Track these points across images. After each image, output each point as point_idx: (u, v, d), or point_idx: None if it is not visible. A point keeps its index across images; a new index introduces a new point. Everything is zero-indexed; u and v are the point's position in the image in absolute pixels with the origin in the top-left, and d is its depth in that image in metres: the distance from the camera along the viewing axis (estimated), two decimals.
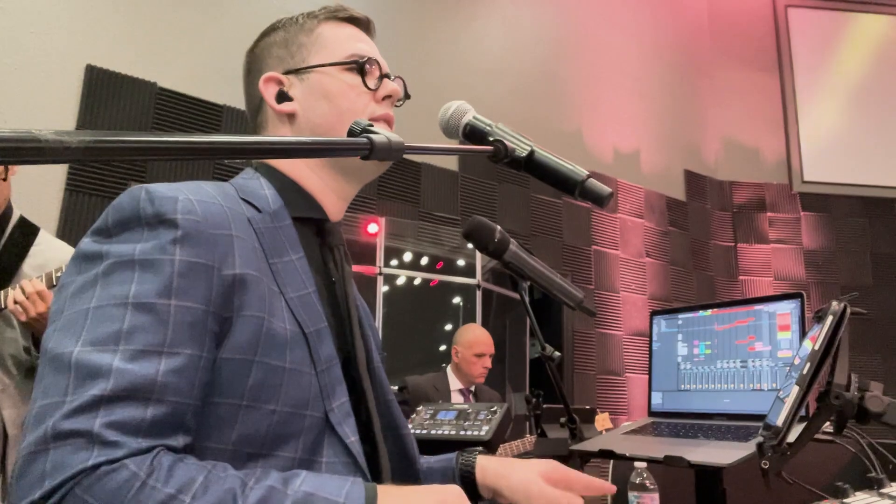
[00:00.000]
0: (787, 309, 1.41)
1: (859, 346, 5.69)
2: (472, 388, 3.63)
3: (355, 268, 4.30)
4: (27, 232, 1.93)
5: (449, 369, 3.66)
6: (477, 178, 5.07)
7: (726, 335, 1.51)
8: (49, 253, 1.90)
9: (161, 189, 0.71)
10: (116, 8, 3.71)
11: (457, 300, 5.12)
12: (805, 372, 0.90)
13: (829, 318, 0.92)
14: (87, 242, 0.71)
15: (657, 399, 1.61)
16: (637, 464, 1.40)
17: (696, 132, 6.60)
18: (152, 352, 0.63)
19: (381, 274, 4.39)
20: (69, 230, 3.28)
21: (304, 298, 0.78)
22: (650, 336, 1.68)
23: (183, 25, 3.95)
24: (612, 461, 1.74)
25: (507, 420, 1.45)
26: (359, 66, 0.91)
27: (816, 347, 0.91)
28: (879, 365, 5.79)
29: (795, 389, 0.90)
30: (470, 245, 1.28)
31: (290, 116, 0.91)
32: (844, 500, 0.91)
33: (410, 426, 1.46)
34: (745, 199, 6.55)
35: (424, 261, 4.92)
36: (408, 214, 4.67)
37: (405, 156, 0.62)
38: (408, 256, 4.83)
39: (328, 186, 0.91)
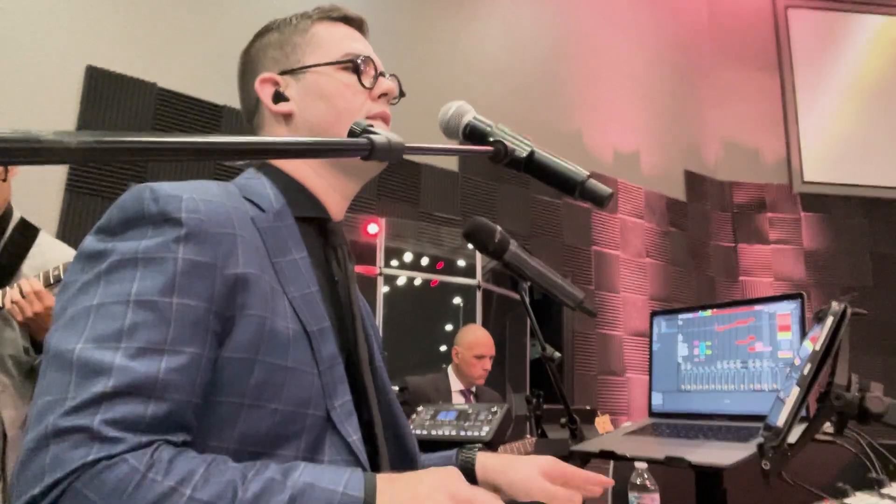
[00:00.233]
0: (788, 309, 1.41)
1: (860, 346, 5.68)
2: (473, 389, 3.63)
3: (356, 268, 4.31)
4: (27, 233, 1.92)
5: (450, 370, 3.65)
6: (477, 178, 5.07)
7: (727, 336, 1.51)
8: (49, 254, 1.90)
9: (165, 188, 0.72)
10: (116, 8, 3.72)
11: (457, 301, 5.12)
12: (805, 372, 0.90)
13: (830, 319, 0.92)
14: (90, 241, 0.71)
15: (657, 399, 1.61)
16: (637, 464, 1.40)
17: (696, 132, 6.60)
18: (154, 350, 0.64)
19: (381, 274, 4.39)
20: (69, 230, 3.28)
21: (307, 297, 0.78)
22: (650, 336, 1.68)
23: (183, 26, 3.95)
24: (612, 462, 1.73)
25: (508, 421, 1.46)
26: (354, 65, 0.91)
27: (817, 348, 0.91)
28: (880, 365, 5.79)
29: (796, 390, 0.90)
30: (470, 245, 1.28)
31: (287, 116, 0.91)
32: (845, 501, 0.91)
33: (411, 426, 1.46)
34: (745, 200, 6.55)
35: (425, 261, 4.92)
36: (408, 215, 4.67)
37: (405, 156, 0.62)
38: (408, 257, 4.83)
39: (330, 185, 0.91)
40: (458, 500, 0.64)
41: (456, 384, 3.59)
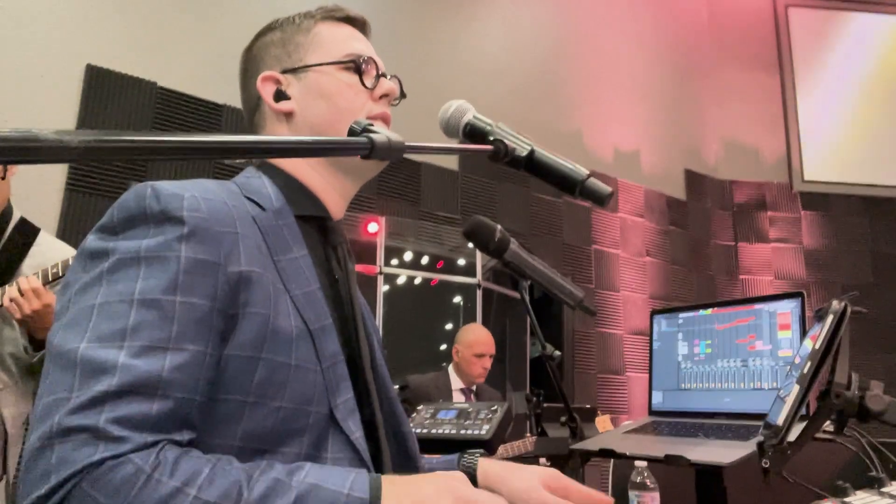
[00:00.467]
0: (788, 308, 1.41)
1: (860, 344, 5.68)
2: (474, 388, 3.63)
3: (356, 267, 4.30)
4: (27, 232, 1.93)
5: (450, 368, 3.66)
6: (477, 177, 5.07)
7: (727, 334, 1.51)
8: (49, 253, 1.91)
9: (167, 186, 0.72)
10: (116, 8, 3.71)
11: (457, 299, 5.12)
12: (805, 371, 0.90)
13: (830, 317, 0.92)
14: (92, 240, 0.71)
15: (658, 398, 1.61)
16: (637, 463, 1.40)
17: (697, 131, 6.60)
18: (157, 348, 0.64)
19: (381, 273, 4.39)
20: (69, 230, 3.28)
21: (309, 295, 0.79)
22: (650, 335, 1.68)
23: (183, 25, 3.95)
24: (612, 460, 1.74)
25: (508, 419, 1.45)
26: (356, 66, 0.92)
27: (817, 346, 0.91)
28: (880, 364, 5.79)
29: (796, 388, 0.90)
30: (470, 244, 1.28)
31: (288, 115, 0.92)
32: (845, 500, 0.91)
33: (411, 425, 1.46)
34: (745, 199, 6.55)
35: (425, 260, 4.92)
36: (408, 214, 4.67)
37: (405, 155, 0.62)
38: (408, 256, 4.83)
39: (329, 184, 0.91)
40: (464, 502, 0.64)
41: (456, 383, 3.60)
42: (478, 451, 0.99)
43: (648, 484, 1.40)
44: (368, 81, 0.92)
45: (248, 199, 0.81)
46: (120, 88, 3.65)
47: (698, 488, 1.30)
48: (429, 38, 5.09)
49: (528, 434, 3.03)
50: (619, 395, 5.39)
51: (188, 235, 0.69)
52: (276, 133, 0.92)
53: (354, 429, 0.76)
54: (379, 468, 0.81)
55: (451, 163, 4.99)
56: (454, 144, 0.77)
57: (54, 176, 3.38)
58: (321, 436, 0.74)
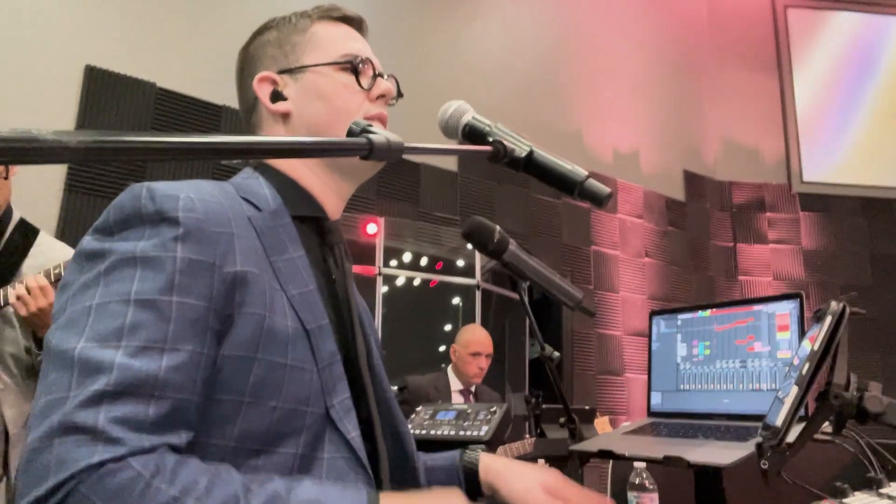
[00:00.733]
0: (787, 309, 1.41)
1: (858, 345, 5.68)
2: (473, 389, 3.63)
3: (355, 268, 4.29)
4: (27, 233, 1.94)
5: (449, 369, 3.66)
6: (476, 178, 5.07)
7: (725, 335, 1.51)
8: (50, 254, 1.91)
9: (162, 187, 0.72)
10: (116, 8, 3.71)
11: (456, 300, 5.12)
12: (804, 372, 0.90)
13: (829, 318, 0.92)
14: (88, 241, 0.71)
15: (656, 399, 1.61)
16: (636, 464, 1.40)
17: (696, 132, 6.60)
18: (154, 348, 0.64)
19: (380, 274, 4.39)
20: (68, 230, 3.28)
21: (306, 295, 0.79)
22: (649, 336, 1.68)
23: (182, 26, 3.95)
24: (611, 461, 1.74)
25: (507, 420, 1.45)
26: (352, 66, 0.91)
27: (815, 347, 0.91)
28: (879, 365, 5.79)
29: (794, 389, 0.90)
30: (469, 245, 1.28)
31: (285, 116, 0.91)
32: (843, 500, 0.91)
33: (410, 426, 1.46)
34: (744, 200, 6.55)
35: (424, 261, 4.92)
36: (407, 214, 4.67)
37: (404, 156, 0.62)
38: (407, 257, 4.83)
39: (326, 185, 0.91)
40: None
41: (455, 384, 3.59)
42: (479, 445, 0.99)
43: (647, 485, 1.40)
44: (365, 82, 0.92)
45: (245, 199, 0.81)
46: (119, 89, 3.65)
47: (697, 489, 1.30)
48: (429, 38, 5.09)
49: (528, 435, 3.03)
50: (618, 397, 5.39)
51: (183, 236, 0.69)
52: (273, 133, 0.92)
53: (351, 428, 0.76)
54: (376, 468, 0.81)
55: (450, 164, 4.99)
56: (453, 145, 0.77)
57: (53, 176, 3.38)
58: (317, 436, 0.74)
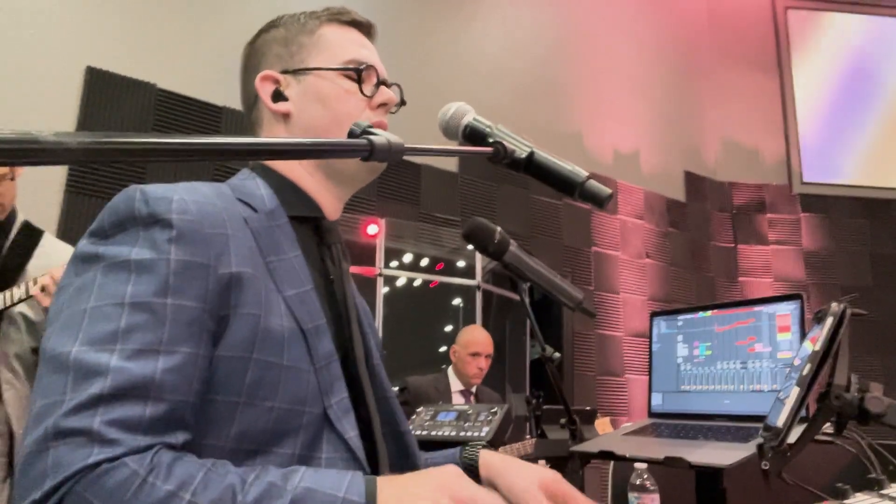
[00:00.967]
0: (787, 310, 1.41)
1: (859, 346, 5.68)
2: (473, 390, 3.63)
3: (355, 269, 4.29)
4: (31, 234, 1.95)
5: (450, 370, 3.65)
6: (477, 179, 5.07)
7: (726, 336, 1.51)
8: (54, 255, 1.93)
9: (156, 189, 0.72)
10: (116, 9, 3.72)
11: (457, 301, 5.12)
12: (805, 373, 0.90)
13: (829, 319, 0.92)
14: (83, 244, 0.71)
15: (657, 400, 1.61)
16: (637, 465, 1.40)
17: (696, 133, 6.60)
18: (150, 350, 0.64)
19: (380, 275, 4.39)
20: (69, 231, 3.28)
21: (303, 296, 0.79)
22: (650, 337, 1.68)
23: (183, 27, 3.95)
24: (612, 462, 1.73)
25: (508, 421, 1.45)
26: (356, 73, 0.91)
27: (816, 348, 0.91)
28: (879, 366, 5.79)
29: (795, 390, 0.90)
30: (470, 246, 1.28)
31: (285, 116, 0.91)
32: (845, 501, 0.91)
33: (410, 427, 1.46)
34: (744, 200, 6.55)
35: (424, 262, 4.92)
36: (408, 215, 4.67)
37: (405, 157, 0.62)
38: (408, 257, 4.83)
39: (323, 186, 0.91)
40: (460, 499, 0.64)
41: (456, 385, 3.59)
42: (479, 442, 0.99)
43: (648, 486, 1.40)
44: (367, 89, 0.92)
45: (241, 201, 0.81)
46: (120, 90, 3.65)
47: (698, 490, 1.30)
48: (429, 38, 5.10)
49: (528, 436, 3.02)
50: (618, 397, 5.39)
51: (177, 238, 0.69)
52: (273, 133, 0.92)
53: (349, 428, 0.76)
54: (375, 468, 0.81)
55: (450, 165, 4.99)
56: (454, 146, 0.77)
57: (54, 177, 3.38)
58: (315, 436, 0.74)
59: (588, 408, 3.63)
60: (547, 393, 3.14)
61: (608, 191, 0.79)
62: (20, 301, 1.81)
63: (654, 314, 1.70)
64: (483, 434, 1.36)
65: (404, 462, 0.93)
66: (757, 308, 1.47)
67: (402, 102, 0.99)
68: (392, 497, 0.64)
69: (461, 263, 5.00)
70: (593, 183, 0.79)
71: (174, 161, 0.48)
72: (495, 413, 1.42)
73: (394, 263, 4.67)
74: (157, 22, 3.85)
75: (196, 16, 4.01)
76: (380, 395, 0.90)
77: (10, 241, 1.89)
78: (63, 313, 0.66)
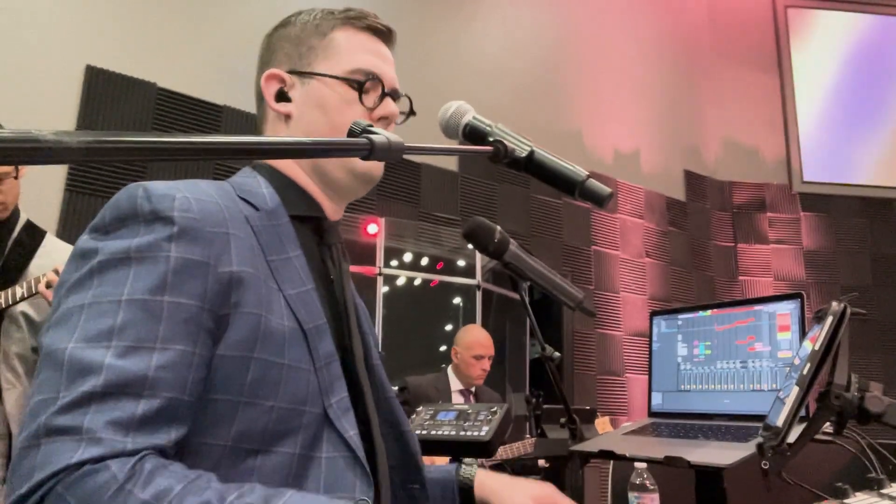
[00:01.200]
0: (787, 309, 1.41)
1: (859, 346, 5.68)
2: (473, 389, 3.63)
3: (355, 268, 4.28)
4: (34, 234, 1.95)
5: (450, 370, 3.65)
6: (477, 178, 5.07)
7: (726, 336, 1.51)
8: (55, 254, 1.93)
9: (158, 186, 0.72)
10: (116, 8, 3.72)
11: (457, 301, 5.12)
12: (805, 372, 0.90)
13: (829, 319, 0.92)
14: (84, 239, 0.71)
15: (657, 399, 1.61)
16: (637, 464, 1.40)
17: (696, 132, 6.60)
18: (144, 347, 0.64)
19: (380, 274, 4.39)
20: (69, 231, 3.28)
21: (303, 295, 0.78)
22: (650, 336, 1.68)
23: (183, 26, 3.95)
24: (612, 462, 1.73)
25: (508, 421, 1.45)
26: (359, 84, 0.89)
27: (816, 348, 0.91)
28: (879, 365, 5.79)
29: (795, 390, 0.90)
30: (470, 245, 1.28)
31: (287, 117, 0.91)
32: (844, 501, 0.91)
33: (410, 426, 1.46)
34: (744, 200, 6.55)
35: (424, 261, 4.92)
36: (408, 215, 4.67)
37: (405, 156, 0.62)
38: (408, 257, 4.83)
39: (321, 191, 0.91)
40: None
41: (456, 384, 3.59)
42: (475, 460, 1.00)
43: (648, 485, 1.40)
44: (369, 102, 0.90)
45: (242, 199, 0.81)
46: (119, 89, 3.65)
47: (698, 490, 1.30)
48: (429, 38, 5.10)
49: (528, 435, 3.03)
50: (618, 397, 5.39)
51: (178, 235, 0.69)
52: (275, 132, 0.92)
53: (349, 427, 0.76)
54: (374, 467, 0.81)
55: (450, 164, 4.99)
56: (454, 145, 0.77)
57: (54, 176, 3.38)
58: (315, 435, 0.74)
59: (588, 407, 3.63)
60: (547, 392, 3.14)
61: (608, 190, 0.79)
62: (22, 300, 1.82)
63: (653, 313, 1.70)
64: (483, 433, 1.36)
65: (406, 462, 0.93)
66: (757, 307, 1.47)
67: (412, 113, 0.96)
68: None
69: (461, 263, 5.00)
70: (593, 182, 0.79)
71: (174, 160, 0.48)
72: (495, 412, 1.42)
73: (394, 263, 4.67)
74: (157, 21, 3.85)
75: (196, 15, 4.01)
76: (380, 395, 0.90)
77: (12, 240, 1.90)
78: (61, 308, 0.66)
